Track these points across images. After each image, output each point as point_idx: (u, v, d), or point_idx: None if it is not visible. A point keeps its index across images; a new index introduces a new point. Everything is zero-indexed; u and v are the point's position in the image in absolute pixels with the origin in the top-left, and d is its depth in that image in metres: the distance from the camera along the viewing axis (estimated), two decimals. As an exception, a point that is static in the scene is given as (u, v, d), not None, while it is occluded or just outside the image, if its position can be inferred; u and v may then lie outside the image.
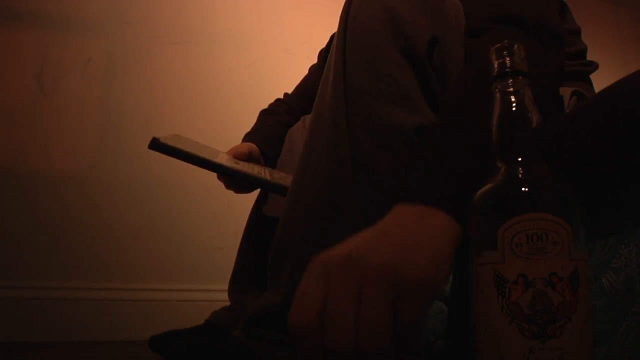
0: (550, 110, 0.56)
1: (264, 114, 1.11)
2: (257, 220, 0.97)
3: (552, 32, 0.56)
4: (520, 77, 0.38)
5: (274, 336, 0.55)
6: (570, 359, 0.32)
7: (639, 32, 2.50)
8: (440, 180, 0.43)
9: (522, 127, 0.38)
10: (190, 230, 1.48)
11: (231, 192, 0.98)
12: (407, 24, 0.57)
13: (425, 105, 0.58)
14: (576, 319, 0.32)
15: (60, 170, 1.41)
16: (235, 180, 0.91)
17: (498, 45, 0.39)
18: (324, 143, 0.57)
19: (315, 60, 1.20)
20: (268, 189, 0.84)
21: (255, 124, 1.09)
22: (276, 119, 1.06)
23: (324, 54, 1.16)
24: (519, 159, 0.37)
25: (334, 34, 1.15)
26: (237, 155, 0.89)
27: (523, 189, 0.35)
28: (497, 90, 0.39)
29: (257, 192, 1.01)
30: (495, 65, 0.39)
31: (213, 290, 1.30)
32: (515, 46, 0.39)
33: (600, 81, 0.78)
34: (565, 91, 0.63)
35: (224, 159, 0.83)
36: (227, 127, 1.53)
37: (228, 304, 0.96)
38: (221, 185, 0.96)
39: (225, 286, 0.97)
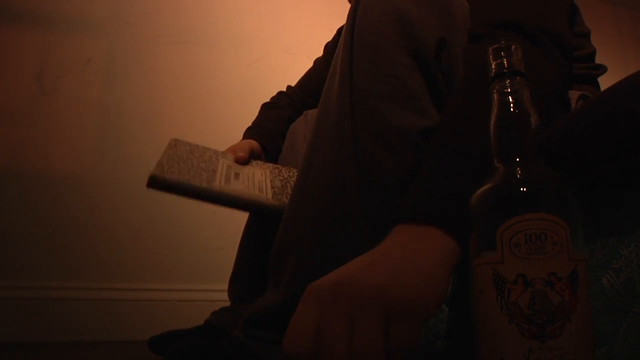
0: (557, 114, 0.55)
1: (266, 107, 1.10)
2: (257, 220, 0.97)
3: (555, 39, 0.55)
4: (518, 78, 0.38)
5: (273, 337, 0.55)
6: (569, 359, 0.32)
7: (639, 32, 2.50)
8: (440, 200, 0.43)
9: (520, 127, 0.38)
10: (190, 230, 1.48)
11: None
12: (415, 25, 0.57)
13: (432, 107, 0.57)
14: (576, 319, 0.32)
15: (60, 170, 1.41)
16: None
17: (495, 46, 0.39)
18: (328, 143, 0.57)
19: (313, 64, 1.19)
20: (268, 214, 0.77)
21: (257, 117, 1.08)
22: (278, 114, 1.05)
23: (330, 48, 1.15)
24: (518, 159, 0.37)
25: (342, 27, 1.15)
26: (238, 160, 0.85)
27: (522, 189, 0.35)
28: (495, 90, 0.39)
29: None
30: (493, 66, 0.39)
31: (213, 290, 1.30)
32: (513, 47, 0.39)
33: (600, 81, 0.78)
34: (573, 95, 0.63)
35: (224, 169, 0.79)
36: (227, 127, 1.53)
37: (228, 304, 0.95)
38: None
39: (225, 286, 0.97)
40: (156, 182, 0.69)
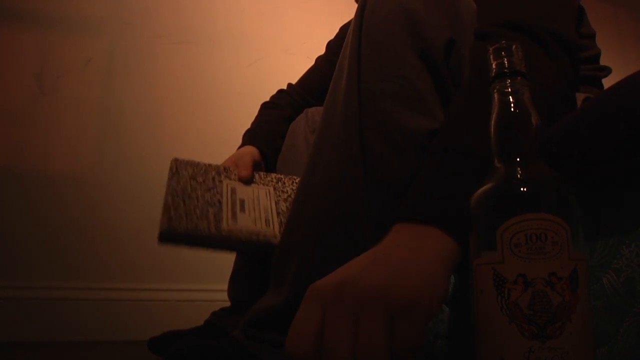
0: (563, 116, 0.55)
1: (265, 107, 1.10)
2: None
3: (561, 41, 0.55)
4: (518, 78, 0.38)
5: (274, 337, 0.55)
6: (570, 359, 0.32)
7: (639, 32, 2.50)
8: (440, 200, 0.43)
9: (521, 127, 0.38)
10: (190, 230, 1.48)
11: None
12: (425, 25, 0.57)
13: (440, 108, 0.57)
14: (576, 319, 0.32)
15: (60, 170, 1.41)
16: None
17: (496, 45, 0.39)
18: (334, 142, 0.57)
19: (314, 61, 1.19)
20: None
21: (256, 118, 1.07)
22: (278, 114, 1.05)
23: (332, 46, 1.15)
24: (518, 159, 0.37)
25: (344, 25, 1.15)
26: (242, 179, 0.84)
27: (522, 189, 0.35)
28: (495, 90, 0.39)
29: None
30: (494, 66, 0.39)
31: (213, 290, 1.30)
32: (514, 47, 0.39)
33: (604, 82, 0.78)
34: (578, 97, 0.63)
35: (229, 196, 0.79)
36: (227, 127, 1.53)
37: (228, 304, 0.95)
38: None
39: (225, 286, 0.97)
40: (167, 237, 0.70)
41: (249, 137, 1.00)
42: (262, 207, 0.81)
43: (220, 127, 1.57)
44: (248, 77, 1.68)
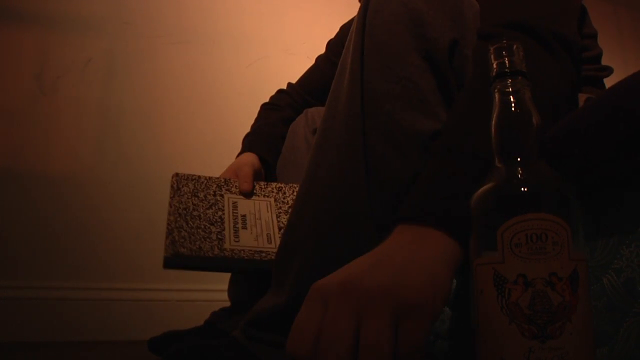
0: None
1: (265, 108, 1.09)
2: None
3: (563, 42, 0.55)
4: (519, 77, 0.38)
5: (274, 338, 0.55)
6: (570, 359, 0.32)
7: (639, 32, 2.50)
8: (442, 200, 0.43)
9: (521, 127, 0.38)
10: (190, 230, 1.48)
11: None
12: (428, 26, 0.56)
13: (443, 109, 0.57)
14: (576, 319, 0.32)
15: (60, 170, 1.41)
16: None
17: (497, 45, 0.39)
18: (336, 142, 0.56)
19: (314, 61, 1.19)
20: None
21: (256, 121, 1.07)
22: (278, 115, 1.04)
23: (333, 45, 1.14)
24: (519, 159, 0.37)
25: (344, 24, 1.15)
26: (243, 192, 0.84)
27: (522, 189, 0.35)
28: (496, 90, 0.39)
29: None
30: (494, 66, 0.39)
31: (213, 290, 1.30)
32: (515, 46, 0.38)
33: (605, 82, 0.78)
34: (581, 98, 0.63)
35: (231, 212, 0.79)
36: (227, 127, 1.53)
37: (228, 304, 0.95)
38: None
39: (225, 286, 0.97)
40: (172, 261, 0.69)
41: (249, 143, 1.00)
42: (264, 221, 0.80)
43: (220, 127, 1.57)
44: (248, 77, 1.68)
